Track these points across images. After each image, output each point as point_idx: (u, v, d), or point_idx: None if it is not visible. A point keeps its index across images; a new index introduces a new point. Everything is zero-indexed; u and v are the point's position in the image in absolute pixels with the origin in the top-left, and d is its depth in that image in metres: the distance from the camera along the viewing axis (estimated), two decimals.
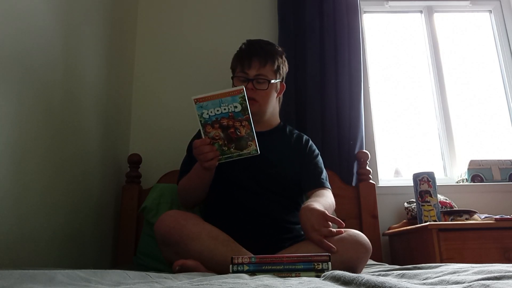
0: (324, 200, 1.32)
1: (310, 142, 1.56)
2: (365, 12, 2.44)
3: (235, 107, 1.11)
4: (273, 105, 1.51)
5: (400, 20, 2.52)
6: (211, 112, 1.12)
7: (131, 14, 2.19)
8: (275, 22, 2.23)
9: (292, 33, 2.13)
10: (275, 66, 1.46)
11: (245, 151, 1.20)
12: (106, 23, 1.79)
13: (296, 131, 1.59)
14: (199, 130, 1.56)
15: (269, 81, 1.43)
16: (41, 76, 1.25)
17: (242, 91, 1.08)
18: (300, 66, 2.07)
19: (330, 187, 1.46)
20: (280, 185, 1.40)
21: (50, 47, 1.30)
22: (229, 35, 2.24)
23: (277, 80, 1.48)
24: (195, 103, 1.10)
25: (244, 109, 1.12)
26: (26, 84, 1.17)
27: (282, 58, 1.51)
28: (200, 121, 1.14)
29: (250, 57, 1.44)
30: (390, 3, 2.42)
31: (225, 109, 1.11)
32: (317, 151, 1.54)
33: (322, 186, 1.43)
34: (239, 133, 1.16)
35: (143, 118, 2.12)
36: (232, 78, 1.49)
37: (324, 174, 1.48)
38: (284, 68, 1.53)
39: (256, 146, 1.19)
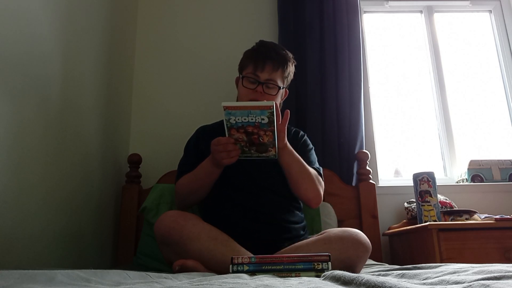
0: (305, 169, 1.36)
1: (305, 136, 1.57)
2: (365, 12, 2.44)
3: (262, 119, 1.13)
4: None
5: (400, 20, 2.52)
6: (238, 119, 1.13)
7: (131, 16, 2.19)
8: (275, 22, 2.23)
9: (292, 33, 2.13)
10: (286, 73, 1.46)
11: (264, 154, 1.24)
12: (106, 25, 1.79)
13: (294, 128, 1.60)
14: (197, 131, 1.58)
15: (279, 88, 1.43)
16: (41, 78, 1.25)
17: (272, 107, 1.11)
18: (300, 66, 2.07)
19: (322, 174, 1.47)
20: (279, 184, 1.40)
21: (50, 49, 1.30)
22: (228, 35, 2.25)
23: (284, 87, 1.49)
24: (224, 110, 1.11)
25: (271, 122, 1.14)
26: (27, 86, 1.17)
27: (292, 66, 1.50)
28: (227, 124, 1.15)
29: (264, 60, 1.41)
30: (390, 3, 2.42)
31: (252, 119, 1.13)
32: (311, 145, 1.55)
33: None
34: (261, 140, 1.19)
35: (143, 119, 2.12)
36: (242, 77, 1.45)
37: (317, 165, 1.49)
38: (291, 75, 1.52)
39: (275, 151, 1.23)
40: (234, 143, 1.20)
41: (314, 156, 1.53)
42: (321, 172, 1.48)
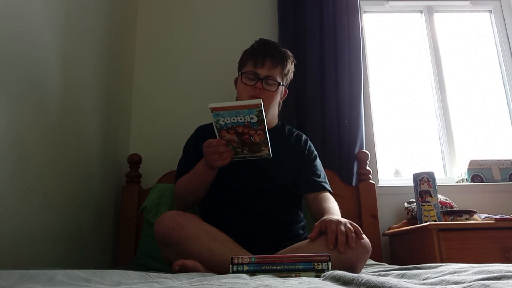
0: (338, 213, 1.31)
1: (309, 142, 1.56)
2: (365, 12, 2.44)
3: (251, 118, 1.11)
4: (275, 109, 1.51)
5: (400, 20, 2.52)
6: (227, 120, 1.12)
7: (131, 17, 2.19)
8: (275, 22, 2.23)
9: (292, 33, 2.13)
10: (285, 70, 1.45)
11: (257, 154, 1.22)
12: (107, 26, 1.79)
13: (295, 130, 1.59)
14: (196, 131, 1.57)
15: (279, 84, 1.43)
16: (42, 80, 1.25)
17: (259, 105, 1.08)
18: (300, 66, 2.07)
19: (331, 189, 1.47)
20: (278, 185, 1.40)
21: (51, 51, 1.30)
22: (228, 36, 2.25)
23: (284, 85, 1.48)
24: (212, 111, 1.10)
25: (260, 121, 1.12)
26: (27, 88, 1.17)
27: (292, 64, 1.50)
28: (216, 126, 1.14)
29: (264, 56, 1.41)
30: (390, 3, 2.42)
31: (241, 119, 1.11)
32: (315, 152, 1.55)
33: (323, 189, 1.43)
34: (253, 140, 1.17)
35: (143, 119, 2.12)
36: (241, 74, 1.45)
37: (323, 176, 1.49)
38: (291, 74, 1.52)
39: (269, 150, 1.22)
40: (226, 145, 1.19)
41: (319, 164, 1.53)
42: (328, 184, 1.47)
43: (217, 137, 1.18)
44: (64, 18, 1.40)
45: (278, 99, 1.48)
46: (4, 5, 1.06)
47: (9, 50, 1.08)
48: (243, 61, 1.48)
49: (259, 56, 1.41)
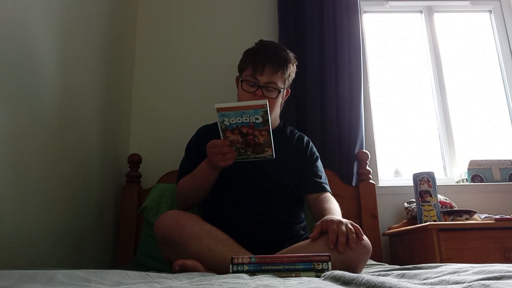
0: (339, 213, 1.30)
1: (311, 144, 1.56)
2: (365, 12, 2.44)
3: (257, 118, 1.13)
4: (276, 110, 1.50)
5: (400, 20, 2.52)
6: (232, 120, 1.13)
7: (130, 18, 2.19)
8: (275, 22, 2.23)
9: (292, 33, 2.13)
10: (286, 75, 1.43)
11: (261, 155, 1.23)
12: (107, 27, 1.79)
13: (297, 132, 1.59)
14: (197, 131, 1.58)
15: (279, 91, 1.42)
16: (42, 82, 1.25)
17: (265, 106, 1.10)
18: (300, 67, 2.06)
19: (331, 191, 1.46)
20: (280, 186, 1.40)
21: (51, 52, 1.30)
22: (228, 36, 2.24)
23: (285, 88, 1.47)
24: (218, 111, 1.11)
25: (265, 121, 1.13)
26: (27, 90, 1.17)
27: (293, 66, 1.47)
28: (221, 127, 1.15)
29: (264, 62, 1.38)
30: (390, 3, 2.42)
31: (246, 119, 1.13)
32: (317, 154, 1.54)
33: (324, 190, 1.43)
34: (257, 140, 1.18)
35: (143, 119, 2.12)
36: (241, 80, 1.43)
37: (324, 177, 1.49)
38: (293, 75, 1.50)
39: (272, 151, 1.22)
40: (230, 145, 1.20)
41: (321, 165, 1.53)
42: (328, 185, 1.47)
43: (222, 138, 1.19)
44: (64, 21, 1.40)
45: (279, 102, 1.47)
46: (3, 7, 1.06)
47: (8, 53, 1.08)
48: (243, 64, 1.46)
49: (258, 62, 1.38)
